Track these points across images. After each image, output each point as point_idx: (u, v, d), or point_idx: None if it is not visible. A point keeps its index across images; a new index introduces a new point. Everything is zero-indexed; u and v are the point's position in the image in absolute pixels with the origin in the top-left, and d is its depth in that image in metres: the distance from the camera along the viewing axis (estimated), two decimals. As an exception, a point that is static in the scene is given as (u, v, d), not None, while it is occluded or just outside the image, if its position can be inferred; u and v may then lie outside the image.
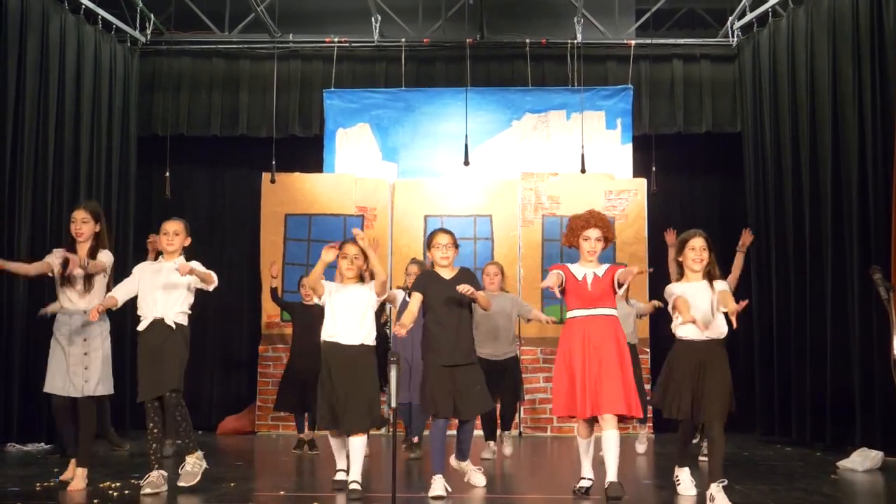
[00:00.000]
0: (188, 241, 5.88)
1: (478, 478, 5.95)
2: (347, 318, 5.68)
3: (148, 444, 5.67)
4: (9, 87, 8.16)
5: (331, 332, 5.74)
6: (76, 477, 5.71)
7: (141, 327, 5.72)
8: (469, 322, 5.77)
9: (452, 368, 5.61)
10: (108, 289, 5.96)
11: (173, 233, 5.80)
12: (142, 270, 5.87)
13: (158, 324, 5.68)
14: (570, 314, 5.60)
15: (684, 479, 5.57)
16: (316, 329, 8.47)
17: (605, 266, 5.65)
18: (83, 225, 5.93)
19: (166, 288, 5.73)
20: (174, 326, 5.69)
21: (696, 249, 5.45)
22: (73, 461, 5.90)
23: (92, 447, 5.89)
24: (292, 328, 8.47)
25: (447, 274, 5.75)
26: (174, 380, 5.63)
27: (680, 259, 5.54)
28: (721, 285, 5.42)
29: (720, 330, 5.39)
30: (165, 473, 5.65)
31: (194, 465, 5.73)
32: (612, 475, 5.38)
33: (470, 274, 5.85)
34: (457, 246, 5.79)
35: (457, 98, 10.47)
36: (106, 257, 5.97)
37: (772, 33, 9.66)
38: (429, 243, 5.84)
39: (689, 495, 5.45)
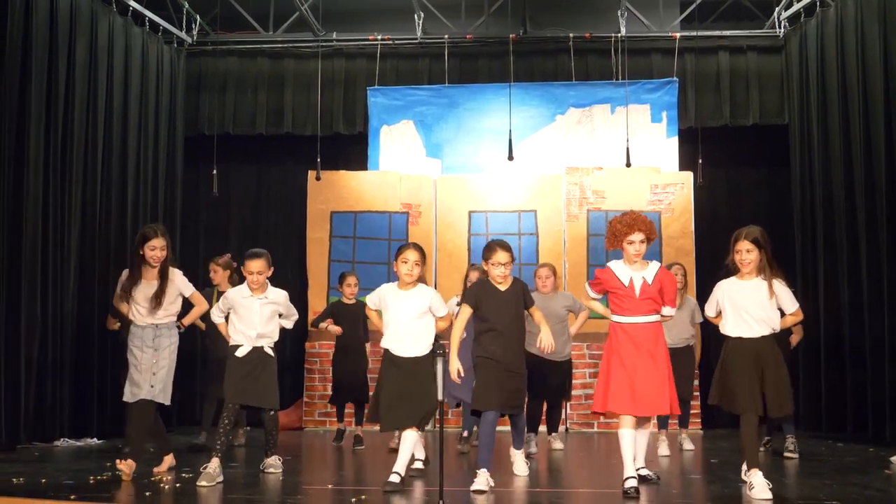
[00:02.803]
0: (271, 272, 6.23)
1: (520, 466, 6.09)
2: (402, 328, 5.66)
3: (218, 436, 5.93)
4: (59, 87, 8.29)
5: (388, 340, 5.72)
6: (128, 465, 5.86)
7: (240, 353, 6.11)
8: (521, 334, 5.81)
9: (504, 370, 5.66)
10: (183, 302, 6.25)
11: (257, 272, 6.12)
12: (234, 300, 6.23)
13: (257, 350, 6.16)
14: (615, 318, 5.54)
15: (758, 483, 5.18)
16: (355, 327, 8.51)
17: (654, 268, 5.57)
18: (161, 252, 6.05)
19: (264, 321, 6.25)
20: (272, 354, 6.27)
21: (741, 252, 5.41)
22: (167, 455, 6.26)
23: (142, 443, 6.14)
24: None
25: (502, 286, 5.75)
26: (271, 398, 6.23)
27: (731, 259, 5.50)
28: (780, 288, 5.38)
29: (773, 325, 5.38)
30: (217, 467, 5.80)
31: (275, 464, 6.30)
32: (640, 461, 5.76)
33: (522, 286, 5.85)
34: (513, 259, 5.80)
35: (500, 94, 10.45)
36: (178, 277, 6.16)
37: (819, 23, 9.51)
38: (486, 257, 5.76)
39: (765, 499, 5.08)
